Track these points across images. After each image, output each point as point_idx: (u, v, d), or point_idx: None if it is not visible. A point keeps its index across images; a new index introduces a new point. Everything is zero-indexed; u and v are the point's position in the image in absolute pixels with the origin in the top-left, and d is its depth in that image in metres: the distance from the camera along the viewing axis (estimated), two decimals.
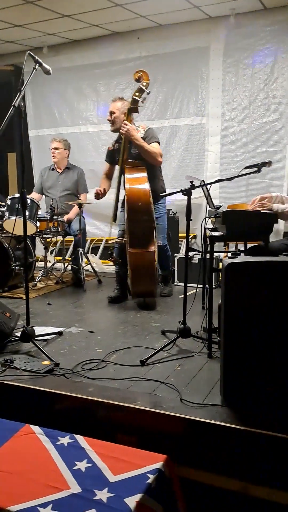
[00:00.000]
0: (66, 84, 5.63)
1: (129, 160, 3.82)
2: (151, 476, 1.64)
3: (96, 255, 5.46)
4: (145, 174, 3.72)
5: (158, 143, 3.92)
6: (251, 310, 1.92)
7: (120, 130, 3.77)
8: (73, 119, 5.71)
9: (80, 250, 4.48)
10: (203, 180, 2.99)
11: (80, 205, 4.51)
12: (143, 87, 3.65)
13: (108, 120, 3.93)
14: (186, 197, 2.70)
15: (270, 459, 1.76)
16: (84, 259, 4.54)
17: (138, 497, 1.54)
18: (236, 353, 1.98)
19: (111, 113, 3.89)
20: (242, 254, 3.13)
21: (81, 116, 5.65)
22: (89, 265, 4.69)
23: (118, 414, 2.00)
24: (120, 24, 4.98)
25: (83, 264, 4.49)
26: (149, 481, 1.62)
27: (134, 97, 3.71)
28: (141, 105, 3.80)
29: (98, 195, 4.07)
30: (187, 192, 2.74)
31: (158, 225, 3.88)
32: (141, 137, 3.83)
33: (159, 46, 5.12)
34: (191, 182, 2.78)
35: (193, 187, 2.75)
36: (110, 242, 4.82)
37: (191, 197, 3.83)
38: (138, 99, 3.68)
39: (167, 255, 4.16)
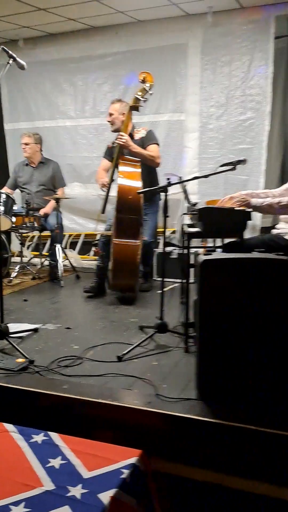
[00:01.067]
0: (43, 77, 5.55)
1: (125, 155, 3.90)
2: (126, 471, 1.65)
3: (74, 250, 5.43)
4: (139, 170, 3.81)
5: (158, 144, 4.07)
6: (225, 305, 1.95)
7: (117, 141, 3.87)
8: (50, 112, 5.64)
9: (58, 245, 4.45)
10: (180, 177, 3.01)
11: (57, 200, 4.48)
12: (147, 88, 3.79)
13: (108, 121, 4.08)
14: (169, 193, 2.74)
15: (243, 450, 1.79)
16: (62, 255, 4.51)
17: (112, 492, 1.55)
18: (211, 348, 2.00)
19: (110, 114, 4.06)
20: (219, 250, 3.19)
21: (59, 110, 5.59)
22: (67, 261, 4.66)
23: (93, 410, 2.01)
24: (98, 19, 4.94)
25: (61, 260, 4.47)
26: (123, 476, 1.63)
27: (136, 96, 3.84)
28: (142, 105, 3.91)
29: (105, 185, 4.08)
30: (163, 189, 2.77)
31: (147, 221, 3.96)
32: (141, 137, 3.99)
33: (137, 42, 5.10)
34: (168, 179, 2.81)
35: (169, 184, 2.78)
36: (94, 237, 4.83)
37: (171, 192, 3.88)
38: (140, 98, 3.83)
39: (150, 252, 4.22)
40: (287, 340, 1.98)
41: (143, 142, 3.98)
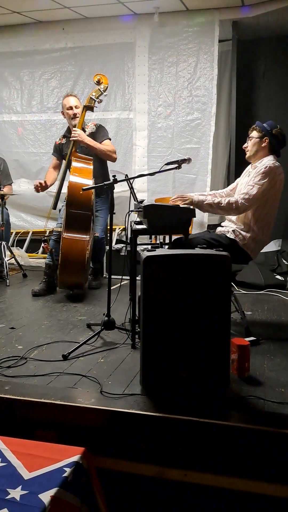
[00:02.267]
0: None
1: (77, 153, 3.87)
2: (68, 470, 1.64)
3: (22, 248, 5.31)
4: (91, 167, 3.80)
5: (110, 139, 4.04)
6: (167, 300, 1.98)
7: (72, 138, 3.83)
8: None
9: (3, 243, 4.34)
10: (126, 175, 3.02)
11: (3, 197, 4.36)
12: (101, 90, 3.81)
13: (74, 114, 3.97)
14: (118, 190, 2.75)
15: (183, 442, 1.83)
16: (8, 253, 4.40)
17: (53, 491, 1.53)
18: (154, 343, 2.03)
19: (76, 107, 3.97)
20: (167, 247, 3.23)
21: (4, 105, 5.44)
22: (13, 259, 4.55)
23: (36, 411, 1.98)
24: (43, 13, 4.85)
25: (7, 258, 4.35)
26: (65, 474, 1.61)
27: (91, 96, 3.84)
28: (97, 106, 3.92)
29: (38, 188, 3.99)
30: (109, 186, 2.78)
31: (98, 217, 3.94)
32: (92, 132, 3.95)
33: (85, 38, 5.06)
34: (114, 176, 2.82)
35: (115, 181, 2.78)
36: (43, 234, 4.75)
37: (120, 190, 3.89)
38: (95, 99, 3.84)
39: (102, 249, 4.20)
40: (225, 333, 2.05)
41: (95, 138, 3.96)
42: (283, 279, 4.28)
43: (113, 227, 3.60)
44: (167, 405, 1.94)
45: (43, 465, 1.67)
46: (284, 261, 4.71)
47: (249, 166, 3.13)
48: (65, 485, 1.59)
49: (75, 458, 1.70)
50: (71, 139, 3.88)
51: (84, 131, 3.98)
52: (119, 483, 1.92)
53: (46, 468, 1.65)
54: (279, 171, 2.89)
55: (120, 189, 4.05)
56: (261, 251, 3.34)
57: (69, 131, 4.10)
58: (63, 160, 4.14)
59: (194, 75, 4.78)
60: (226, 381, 2.09)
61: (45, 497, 1.51)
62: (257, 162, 3.00)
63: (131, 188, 3.29)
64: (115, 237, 5.01)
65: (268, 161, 2.92)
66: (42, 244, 4.01)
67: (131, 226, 2.81)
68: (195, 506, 1.84)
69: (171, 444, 1.85)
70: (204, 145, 4.82)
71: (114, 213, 2.85)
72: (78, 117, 3.94)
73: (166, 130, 4.97)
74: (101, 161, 4.01)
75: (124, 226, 5.02)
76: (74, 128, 3.85)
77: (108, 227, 2.89)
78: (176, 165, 2.97)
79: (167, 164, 3.03)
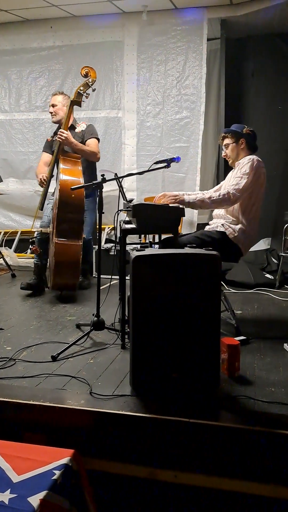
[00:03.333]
0: None
1: (65, 150, 3.84)
2: (57, 472, 1.62)
3: (10, 248, 5.26)
4: (80, 167, 3.77)
5: (98, 139, 4.03)
6: (156, 300, 1.97)
7: (58, 138, 3.80)
8: None
9: None
10: (116, 174, 3.00)
11: None
12: (89, 83, 3.74)
13: (50, 112, 4.00)
14: (107, 189, 2.72)
15: (174, 443, 1.82)
16: None
17: (42, 494, 1.52)
18: (143, 343, 2.02)
19: (53, 105, 3.99)
20: (156, 246, 3.22)
21: None
22: (2, 259, 4.51)
23: (25, 413, 1.95)
24: (31, 12, 4.81)
25: None
26: (54, 477, 1.60)
27: (78, 90, 3.78)
28: (85, 100, 3.86)
29: (43, 184, 3.96)
30: (98, 185, 2.76)
31: (85, 218, 3.92)
32: (82, 130, 3.96)
33: (73, 37, 5.03)
34: (102, 175, 2.80)
35: (104, 180, 2.77)
36: (31, 234, 4.70)
37: (109, 189, 3.86)
38: (82, 93, 3.77)
39: (90, 250, 4.19)
40: (215, 332, 2.04)
41: (84, 136, 3.96)
42: (272, 277, 4.30)
43: (102, 226, 3.57)
44: (157, 406, 1.93)
45: (32, 468, 1.65)
46: (273, 259, 4.73)
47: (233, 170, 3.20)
48: (54, 487, 1.57)
49: (65, 460, 1.68)
50: (56, 138, 3.84)
51: (74, 128, 3.96)
52: (109, 485, 1.90)
53: (35, 470, 1.64)
54: (262, 165, 3.01)
55: (109, 188, 4.04)
56: (251, 250, 3.35)
57: (59, 128, 4.05)
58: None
59: (183, 74, 4.77)
60: (217, 381, 2.09)
61: (34, 500, 1.49)
62: (239, 161, 3.09)
63: (120, 187, 3.27)
64: (104, 236, 4.99)
65: (251, 155, 3.05)
66: (30, 246, 3.98)
67: (120, 225, 2.80)
68: (186, 507, 1.84)
69: (161, 445, 1.84)
70: (193, 143, 4.82)
71: (103, 213, 2.83)
72: (55, 115, 3.95)
73: (155, 129, 4.96)
74: (88, 160, 3.99)
75: (113, 226, 4.99)
76: (61, 130, 3.80)
77: (97, 227, 2.86)
78: (165, 164, 2.96)
79: (156, 163, 3.02)
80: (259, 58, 5.24)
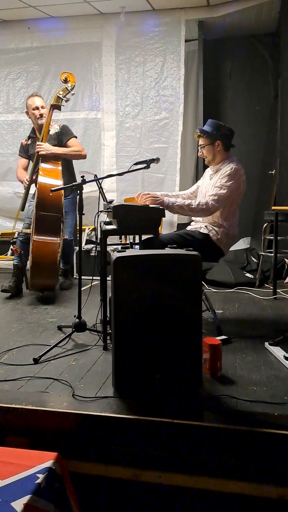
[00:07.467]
0: None
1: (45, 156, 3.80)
2: (41, 476, 1.61)
3: None
4: (60, 168, 3.75)
5: (76, 137, 4.00)
6: (137, 301, 1.98)
7: (37, 152, 3.75)
8: None
9: None
10: (95, 175, 2.99)
11: None
12: (69, 88, 3.75)
13: (40, 114, 3.90)
14: (87, 190, 2.71)
15: (158, 443, 1.83)
16: None
17: (25, 499, 1.50)
18: (126, 344, 2.02)
19: (42, 107, 3.91)
20: (137, 247, 3.23)
21: None
22: None
23: (6, 416, 1.93)
24: (8, 12, 4.76)
25: None
26: (38, 481, 1.58)
27: (58, 95, 3.78)
28: (64, 104, 3.86)
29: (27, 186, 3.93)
30: (77, 187, 2.75)
31: (67, 219, 3.89)
32: (56, 132, 3.91)
33: (51, 38, 5.01)
34: (82, 176, 2.80)
35: (83, 182, 2.76)
36: (11, 236, 4.66)
37: (89, 190, 3.83)
38: (62, 97, 3.78)
39: (71, 251, 4.17)
40: (197, 332, 2.06)
41: (60, 138, 3.92)
42: (252, 276, 4.36)
43: (83, 227, 3.57)
44: (140, 407, 1.93)
45: (15, 472, 1.63)
46: (253, 258, 4.79)
47: (209, 169, 3.20)
48: (38, 491, 1.56)
49: (48, 463, 1.67)
50: (36, 151, 3.78)
51: (49, 131, 3.93)
52: (93, 487, 1.90)
53: (18, 475, 1.62)
54: (242, 173, 3.01)
55: (89, 189, 4.03)
56: (231, 249, 3.39)
57: (34, 131, 4.03)
58: (30, 161, 4.07)
59: (161, 75, 4.80)
60: (199, 381, 2.10)
61: (18, 505, 1.48)
62: (218, 164, 3.08)
63: (100, 188, 3.27)
64: (84, 237, 4.97)
65: (232, 163, 3.02)
66: (11, 247, 3.93)
67: (100, 226, 2.79)
68: (171, 508, 1.84)
69: (145, 446, 1.84)
70: (172, 144, 4.85)
71: (84, 214, 2.82)
72: (45, 117, 3.87)
73: (134, 130, 4.97)
74: (66, 161, 3.95)
75: (93, 227, 4.99)
76: (38, 143, 3.77)
77: (78, 228, 2.85)
78: (145, 164, 2.97)
79: (136, 164, 3.03)
80: (237, 59, 5.31)
